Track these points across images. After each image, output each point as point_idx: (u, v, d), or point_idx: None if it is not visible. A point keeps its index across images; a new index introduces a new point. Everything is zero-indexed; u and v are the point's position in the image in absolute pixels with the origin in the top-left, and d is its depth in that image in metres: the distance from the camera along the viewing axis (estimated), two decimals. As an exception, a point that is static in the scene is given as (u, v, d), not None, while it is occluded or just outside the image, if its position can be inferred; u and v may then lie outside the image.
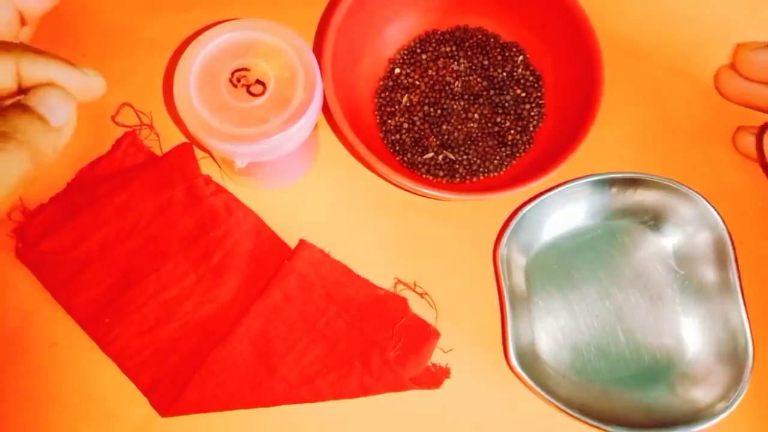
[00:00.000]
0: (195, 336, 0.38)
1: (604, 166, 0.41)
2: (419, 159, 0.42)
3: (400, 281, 0.40)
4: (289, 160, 0.36)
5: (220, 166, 0.41)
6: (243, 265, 0.40)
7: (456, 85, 0.42)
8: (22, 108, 0.28)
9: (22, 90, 0.29)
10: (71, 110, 0.29)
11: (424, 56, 0.43)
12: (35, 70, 0.28)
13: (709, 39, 0.46)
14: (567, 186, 0.40)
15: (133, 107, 0.43)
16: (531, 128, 0.42)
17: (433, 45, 0.43)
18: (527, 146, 0.42)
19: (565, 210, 0.41)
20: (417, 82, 0.43)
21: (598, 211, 0.42)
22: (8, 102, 0.29)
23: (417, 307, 0.40)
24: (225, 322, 0.39)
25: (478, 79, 0.43)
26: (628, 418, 0.37)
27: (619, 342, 0.40)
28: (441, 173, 0.42)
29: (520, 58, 0.43)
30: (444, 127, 0.42)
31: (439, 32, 0.44)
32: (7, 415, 0.37)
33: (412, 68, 0.43)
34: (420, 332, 0.39)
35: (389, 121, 0.42)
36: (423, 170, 0.42)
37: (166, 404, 0.37)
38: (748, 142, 0.43)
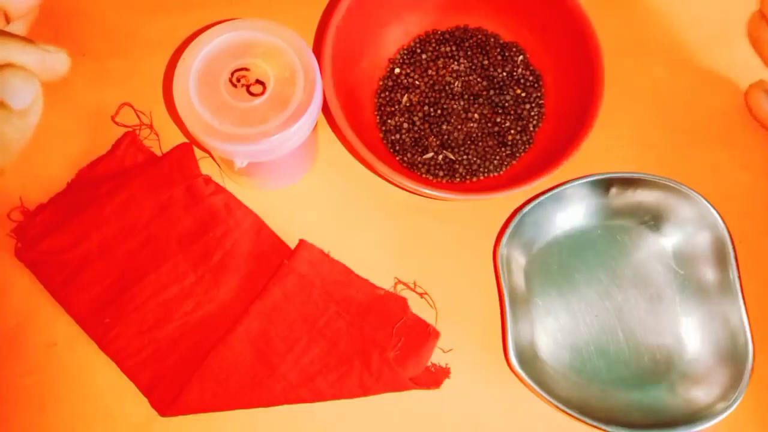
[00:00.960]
0: (194, 335, 0.38)
1: (604, 166, 0.41)
2: (419, 159, 0.42)
3: (399, 281, 0.40)
4: (289, 160, 0.36)
5: (219, 166, 0.41)
6: (242, 264, 0.40)
7: (456, 85, 0.42)
8: None
9: None
10: (35, 91, 0.27)
11: (424, 56, 0.43)
12: None
13: (709, 39, 0.46)
14: (567, 186, 0.40)
15: (133, 107, 0.43)
16: (531, 128, 0.42)
17: (433, 45, 0.43)
18: (527, 146, 0.42)
19: (564, 210, 0.41)
20: (417, 82, 0.43)
21: (598, 211, 0.41)
22: None
23: (417, 306, 0.40)
24: (224, 322, 0.39)
25: (478, 79, 0.43)
26: (627, 418, 0.37)
27: (618, 342, 0.40)
28: (441, 173, 0.42)
29: (520, 57, 0.43)
30: (444, 127, 0.42)
31: (438, 32, 0.44)
32: (7, 414, 0.37)
33: (411, 68, 0.43)
34: (420, 332, 0.39)
35: (389, 120, 0.42)
36: (423, 170, 0.42)
37: (166, 404, 0.37)
38: (761, 103, 0.41)
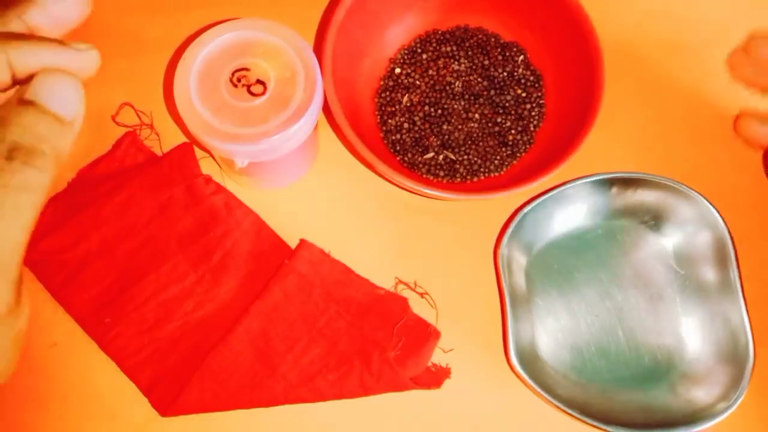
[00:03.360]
0: (194, 335, 0.38)
1: (604, 166, 0.41)
2: (419, 159, 0.42)
3: (400, 281, 0.40)
4: (289, 159, 0.36)
5: (220, 166, 0.41)
6: (243, 264, 0.40)
7: (456, 85, 0.42)
8: (34, 108, 0.24)
9: (17, 81, 0.26)
10: (80, 95, 0.26)
11: (424, 56, 0.43)
12: (27, 56, 0.25)
13: (709, 39, 0.46)
14: (567, 186, 0.40)
15: (133, 107, 0.43)
16: (531, 128, 0.42)
17: (434, 45, 0.43)
18: (528, 146, 0.42)
19: (565, 210, 0.41)
20: (417, 82, 0.43)
21: (598, 211, 0.41)
22: (3, 97, 0.26)
23: (417, 306, 0.40)
24: (225, 322, 0.38)
25: (479, 79, 0.43)
26: (628, 418, 0.37)
27: (619, 342, 0.40)
28: (441, 173, 0.42)
29: (521, 57, 0.43)
30: (444, 127, 0.42)
31: (439, 32, 0.44)
32: (7, 414, 0.37)
33: (412, 68, 0.43)
34: (420, 332, 0.39)
35: (390, 120, 0.42)
36: (423, 170, 0.42)
37: (166, 404, 0.37)
38: (753, 129, 0.42)
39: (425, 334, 0.39)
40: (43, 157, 0.24)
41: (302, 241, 0.40)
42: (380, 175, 0.39)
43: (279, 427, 0.38)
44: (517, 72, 0.43)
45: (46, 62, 0.26)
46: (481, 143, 0.42)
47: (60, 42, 0.27)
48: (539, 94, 0.43)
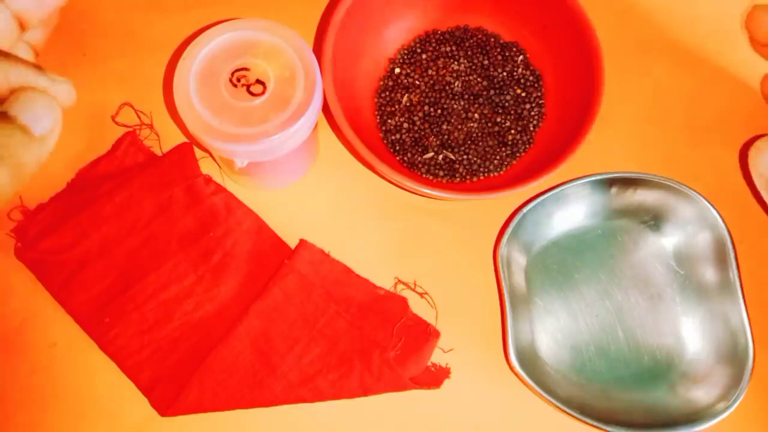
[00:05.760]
0: (194, 335, 0.38)
1: (604, 166, 0.41)
2: (419, 159, 0.42)
3: (400, 281, 0.40)
4: (289, 159, 0.36)
5: (220, 166, 0.41)
6: (243, 264, 0.40)
7: (456, 84, 0.42)
8: (1, 117, 0.26)
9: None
10: (56, 117, 0.27)
11: (424, 56, 0.43)
12: (9, 73, 0.26)
13: (709, 38, 0.46)
14: (567, 186, 0.40)
15: (133, 107, 0.43)
16: (531, 128, 0.42)
17: (433, 45, 0.43)
18: (527, 146, 0.42)
19: (565, 210, 0.41)
20: (417, 82, 0.43)
21: (598, 211, 0.41)
22: None
23: (417, 306, 0.40)
24: (225, 322, 0.39)
25: (478, 79, 0.43)
26: (628, 418, 0.37)
27: (619, 342, 0.40)
28: (441, 173, 0.42)
29: (520, 57, 0.43)
30: (444, 126, 0.42)
31: (439, 32, 0.44)
32: (7, 414, 0.37)
33: (412, 68, 0.43)
34: (420, 332, 0.39)
35: (389, 120, 0.42)
36: (423, 170, 0.42)
37: (166, 404, 0.37)
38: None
39: (425, 334, 0.39)
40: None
41: (302, 241, 0.40)
42: (380, 175, 0.39)
43: (279, 427, 0.38)
44: (517, 72, 0.43)
45: (29, 81, 0.27)
46: (480, 143, 0.42)
47: (37, 67, 0.28)
48: (539, 94, 0.43)
